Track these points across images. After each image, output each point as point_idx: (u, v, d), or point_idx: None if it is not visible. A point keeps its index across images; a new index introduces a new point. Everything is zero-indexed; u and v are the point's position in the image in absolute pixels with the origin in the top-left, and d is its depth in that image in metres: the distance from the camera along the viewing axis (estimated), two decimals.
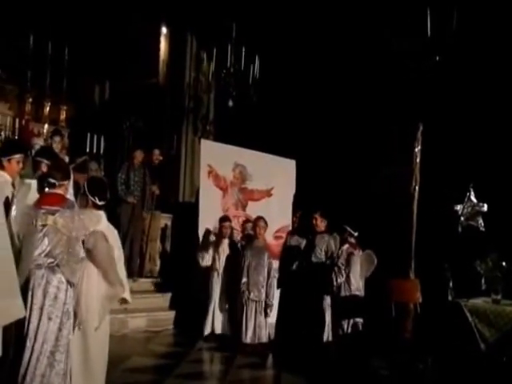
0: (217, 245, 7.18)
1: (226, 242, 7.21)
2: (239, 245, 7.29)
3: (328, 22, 9.07)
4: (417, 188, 6.70)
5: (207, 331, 6.92)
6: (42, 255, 3.51)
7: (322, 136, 9.37)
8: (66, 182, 3.86)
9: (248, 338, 6.49)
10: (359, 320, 6.23)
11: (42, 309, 3.49)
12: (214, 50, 9.29)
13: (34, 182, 4.09)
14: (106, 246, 3.82)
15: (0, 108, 9.44)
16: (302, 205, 8.38)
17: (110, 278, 3.83)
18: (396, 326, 5.43)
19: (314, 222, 6.73)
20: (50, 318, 3.51)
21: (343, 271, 6.33)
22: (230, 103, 9.44)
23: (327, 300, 6.54)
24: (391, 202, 7.29)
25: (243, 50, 9.14)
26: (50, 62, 10.23)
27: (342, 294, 6.32)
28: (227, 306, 6.97)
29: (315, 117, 9.55)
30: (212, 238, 7.33)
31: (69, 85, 10.51)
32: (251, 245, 6.86)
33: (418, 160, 6.78)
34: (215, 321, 6.95)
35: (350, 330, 6.16)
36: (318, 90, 9.47)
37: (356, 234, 6.57)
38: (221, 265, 7.08)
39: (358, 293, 6.38)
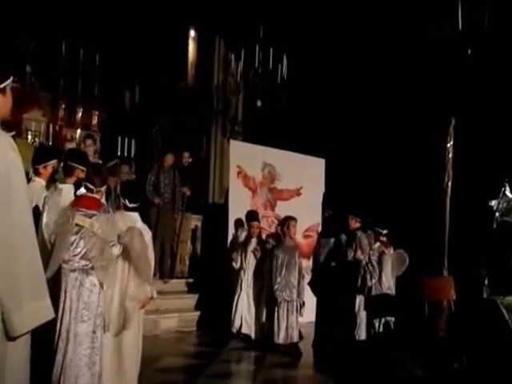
0: (244, 245, 7.18)
1: (253, 241, 7.20)
2: (267, 245, 7.27)
3: (356, 20, 8.98)
4: (449, 184, 6.58)
5: (234, 330, 6.95)
6: (77, 257, 3.53)
7: (351, 134, 9.28)
8: (103, 188, 3.92)
9: (281, 338, 6.44)
10: (391, 319, 6.15)
11: (75, 311, 3.51)
12: (242, 51, 9.32)
13: (65, 186, 4.16)
14: (142, 242, 3.81)
15: (34, 114, 9.68)
16: (332, 204, 8.31)
17: (142, 276, 3.83)
18: (430, 324, 5.33)
19: (347, 222, 6.70)
20: (83, 321, 3.52)
21: (377, 269, 6.26)
22: (259, 103, 9.45)
23: (360, 299, 6.48)
24: (424, 199, 7.17)
25: (271, 50, 9.14)
26: (82, 69, 10.46)
27: (374, 293, 6.26)
28: (255, 306, 6.97)
29: (344, 115, 9.46)
30: (241, 237, 7.34)
31: (100, 90, 10.72)
32: (282, 244, 6.83)
33: (450, 155, 6.66)
34: (242, 320, 6.96)
35: (381, 329, 6.10)
36: (346, 88, 9.39)
37: (385, 231, 6.48)
38: (248, 265, 7.07)
39: (389, 292, 6.30)
